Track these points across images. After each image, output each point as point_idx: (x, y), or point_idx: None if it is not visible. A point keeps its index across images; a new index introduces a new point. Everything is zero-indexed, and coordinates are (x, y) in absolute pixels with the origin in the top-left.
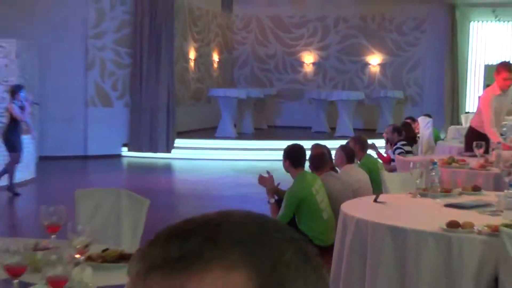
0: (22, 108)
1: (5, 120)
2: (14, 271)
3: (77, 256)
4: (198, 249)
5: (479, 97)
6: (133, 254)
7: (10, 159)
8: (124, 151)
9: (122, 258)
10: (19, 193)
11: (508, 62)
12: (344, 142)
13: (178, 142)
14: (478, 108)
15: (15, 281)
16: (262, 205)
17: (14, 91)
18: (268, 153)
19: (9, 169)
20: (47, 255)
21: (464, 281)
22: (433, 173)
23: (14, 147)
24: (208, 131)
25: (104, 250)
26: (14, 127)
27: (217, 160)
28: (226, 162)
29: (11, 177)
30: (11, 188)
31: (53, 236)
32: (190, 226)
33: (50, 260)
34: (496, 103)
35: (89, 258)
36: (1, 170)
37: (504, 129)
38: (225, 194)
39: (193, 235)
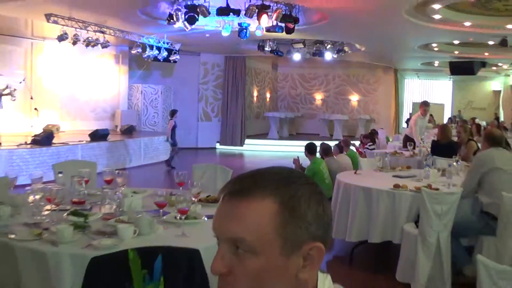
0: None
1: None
2: (160, 205)
3: (193, 198)
4: (248, 186)
5: (408, 119)
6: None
7: (172, 150)
8: (217, 145)
9: (218, 201)
10: (174, 167)
11: (425, 101)
12: (337, 142)
13: (247, 141)
14: (410, 125)
15: (161, 210)
16: None
17: (173, 112)
18: (296, 147)
19: (171, 155)
20: (178, 197)
21: (402, 217)
22: (386, 159)
23: (174, 144)
24: (263, 135)
25: (207, 196)
26: (173, 133)
27: (268, 151)
28: (272, 152)
29: (171, 159)
30: (169, 164)
31: (180, 188)
32: (249, 174)
33: (179, 200)
34: (419, 122)
35: (199, 200)
36: (170, 156)
37: (423, 136)
38: None
39: (248, 178)
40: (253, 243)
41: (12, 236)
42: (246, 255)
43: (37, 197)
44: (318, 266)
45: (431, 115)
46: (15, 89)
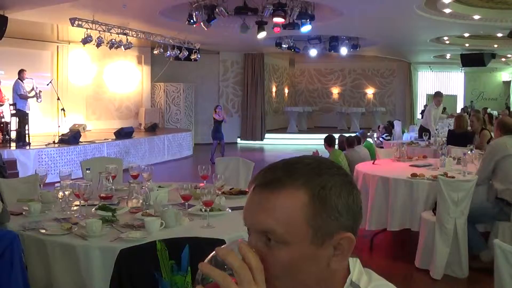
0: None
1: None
2: (186, 198)
3: (217, 191)
4: (278, 177)
5: (423, 110)
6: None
7: (214, 143)
8: (238, 140)
9: (241, 193)
10: (214, 162)
11: (438, 91)
12: (355, 134)
13: (267, 135)
14: (425, 115)
15: (186, 203)
16: None
17: (215, 107)
18: (315, 140)
19: (212, 148)
20: (202, 190)
21: (419, 203)
22: (403, 149)
23: (212, 137)
24: (283, 129)
25: (231, 189)
26: (214, 125)
27: (287, 145)
28: (292, 145)
29: (211, 154)
30: (212, 159)
31: (205, 181)
32: (280, 164)
33: (204, 192)
34: (433, 112)
35: (223, 193)
36: (212, 149)
37: (437, 126)
38: None
39: (279, 169)
40: (284, 234)
41: (43, 231)
42: (277, 245)
43: (66, 193)
44: (348, 256)
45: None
46: (40, 91)
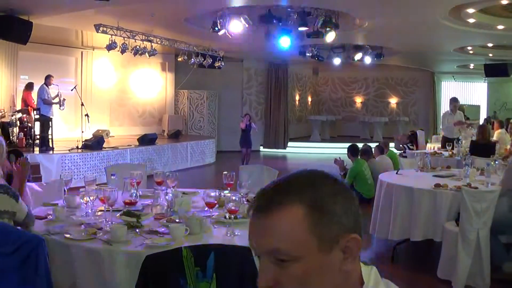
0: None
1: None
2: (210, 205)
3: (241, 198)
4: (272, 198)
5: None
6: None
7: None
8: (261, 148)
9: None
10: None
11: (454, 97)
12: (377, 143)
13: (290, 143)
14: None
15: (211, 210)
16: None
17: (244, 116)
18: (338, 149)
19: (242, 157)
20: (227, 197)
21: (442, 214)
22: (426, 159)
23: (240, 144)
24: (306, 137)
25: (255, 197)
26: (241, 134)
27: (310, 153)
28: (315, 154)
29: (242, 161)
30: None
31: (229, 188)
32: (271, 185)
33: (228, 200)
34: (448, 118)
35: (247, 200)
36: (242, 158)
37: (460, 136)
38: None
39: (270, 190)
40: (291, 251)
41: (68, 235)
42: (287, 263)
43: (91, 198)
44: (358, 256)
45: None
46: (64, 99)
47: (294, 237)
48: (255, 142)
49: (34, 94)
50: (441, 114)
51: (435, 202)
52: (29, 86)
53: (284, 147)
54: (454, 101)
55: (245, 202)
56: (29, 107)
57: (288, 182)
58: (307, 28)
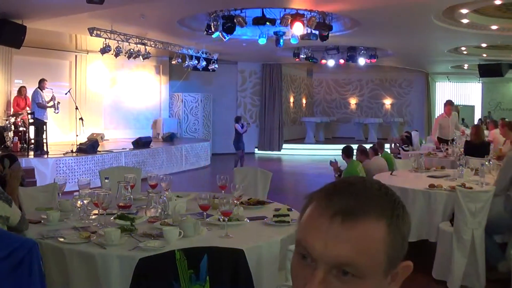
0: (242, 126)
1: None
2: (204, 207)
3: (235, 201)
4: (360, 206)
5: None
6: (318, 193)
7: (236, 154)
8: (256, 150)
9: (259, 203)
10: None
11: (448, 100)
12: (371, 145)
13: (285, 145)
14: (435, 125)
15: (205, 212)
16: (329, 178)
17: (237, 119)
18: (332, 151)
19: (236, 158)
20: (220, 200)
21: (437, 215)
22: (421, 160)
23: (237, 147)
24: (300, 139)
25: (249, 199)
26: (237, 137)
27: (305, 155)
28: (309, 156)
29: (235, 164)
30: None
31: (223, 191)
32: (352, 190)
33: (222, 202)
34: (441, 122)
35: (241, 203)
36: (235, 160)
37: (455, 137)
38: (309, 172)
39: (354, 196)
40: (364, 267)
41: (62, 239)
42: (350, 278)
43: (85, 202)
44: (400, 284)
45: (463, 119)
46: (59, 103)
47: (373, 254)
48: (250, 144)
49: (26, 99)
50: (436, 115)
51: (429, 202)
52: (20, 91)
53: (279, 149)
54: (447, 104)
55: (237, 204)
56: (22, 111)
57: (370, 191)
58: (301, 31)
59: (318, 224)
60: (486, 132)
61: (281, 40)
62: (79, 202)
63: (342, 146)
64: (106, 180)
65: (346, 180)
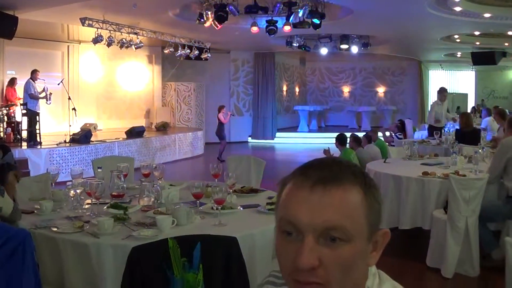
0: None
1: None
2: (197, 196)
3: (229, 189)
4: (336, 174)
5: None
6: (291, 175)
7: (221, 143)
8: (249, 139)
9: (252, 191)
10: (223, 160)
11: (442, 87)
12: (365, 133)
13: (278, 134)
14: (428, 111)
15: (198, 201)
16: None
17: (220, 108)
18: (326, 139)
19: (221, 148)
20: (213, 188)
21: (431, 202)
22: (414, 147)
23: (222, 137)
24: (293, 128)
25: (242, 187)
26: (221, 126)
27: (298, 144)
28: (302, 144)
29: (221, 152)
30: (219, 158)
31: (216, 180)
32: (327, 161)
33: (215, 190)
34: (436, 108)
35: (235, 191)
36: (220, 150)
37: (446, 124)
38: (302, 160)
39: (329, 166)
40: (349, 229)
41: (55, 229)
42: (338, 243)
43: (78, 191)
44: (381, 252)
45: (458, 106)
46: (51, 93)
47: (356, 217)
48: (243, 133)
49: (18, 90)
50: (429, 104)
51: (423, 190)
52: (12, 82)
53: (272, 137)
54: (442, 91)
55: (231, 192)
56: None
57: (340, 164)
58: (293, 19)
59: (299, 197)
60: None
61: (274, 29)
62: (72, 191)
63: (335, 134)
64: (99, 170)
65: (316, 159)
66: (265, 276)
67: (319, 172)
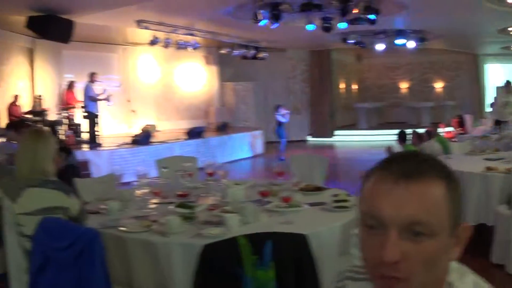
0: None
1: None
2: (264, 194)
3: (294, 187)
4: (421, 167)
5: (492, 102)
6: (374, 169)
7: (281, 142)
8: (309, 137)
9: (317, 189)
10: (283, 159)
11: (508, 80)
12: (425, 129)
13: (337, 132)
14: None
15: (265, 199)
16: None
17: (276, 107)
18: (385, 136)
19: (281, 147)
20: (280, 186)
21: (494, 199)
22: (476, 143)
23: (281, 136)
24: (353, 125)
25: (306, 185)
26: (279, 125)
27: (357, 141)
28: (362, 142)
29: (281, 151)
30: (280, 157)
31: (279, 178)
32: (409, 155)
33: (281, 188)
34: (502, 98)
35: (299, 189)
36: (280, 149)
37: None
38: (363, 157)
39: (413, 159)
40: (433, 224)
41: (123, 228)
42: (422, 238)
43: (145, 191)
44: (462, 249)
45: None
46: (111, 95)
47: (440, 212)
48: (302, 132)
49: (76, 93)
50: (487, 98)
51: (486, 185)
52: (70, 85)
53: (331, 136)
54: (507, 84)
55: (296, 190)
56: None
57: (423, 157)
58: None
59: (383, 190)
60: None
61: (329, 26)
62: (138, 191)
63: (394, 131)
64: (164, 170)
65: (398, 153)
66: (341, 272)
67: (402, 165)
